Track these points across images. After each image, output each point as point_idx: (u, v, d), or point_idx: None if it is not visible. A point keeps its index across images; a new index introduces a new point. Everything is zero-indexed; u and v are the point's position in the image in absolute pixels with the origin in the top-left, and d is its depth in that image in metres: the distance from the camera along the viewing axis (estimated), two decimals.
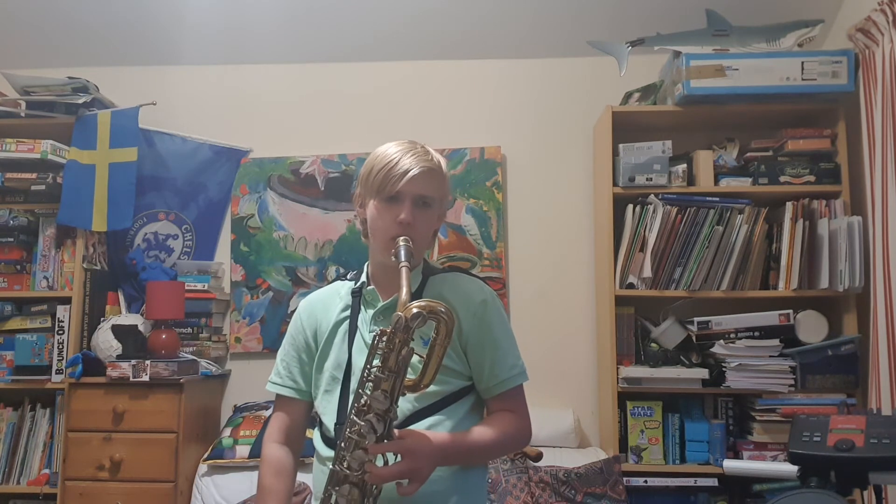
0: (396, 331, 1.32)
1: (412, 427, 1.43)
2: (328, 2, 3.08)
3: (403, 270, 1.39)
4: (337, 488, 1.34)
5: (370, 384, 1.34)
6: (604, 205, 2.93)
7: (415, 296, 1.47)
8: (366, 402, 1.34)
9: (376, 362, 1.35)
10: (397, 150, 1.50)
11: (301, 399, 1.61)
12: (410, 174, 1.46)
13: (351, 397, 1.44)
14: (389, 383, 1.32)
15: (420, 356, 1.36)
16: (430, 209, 1.52)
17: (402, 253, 1.42)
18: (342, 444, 1.35)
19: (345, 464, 1.33)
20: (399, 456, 1.34)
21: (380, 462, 1.34)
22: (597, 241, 3.11)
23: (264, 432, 2.71)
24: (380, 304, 1.54)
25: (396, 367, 1.33)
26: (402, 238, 1.44)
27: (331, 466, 1.38)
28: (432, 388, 1.40)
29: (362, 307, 1.56)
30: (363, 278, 1.60)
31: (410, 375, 1.37)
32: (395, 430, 1.36)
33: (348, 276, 1.65)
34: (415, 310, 1.31)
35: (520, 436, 1.55)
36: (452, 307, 1.40)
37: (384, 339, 1.34)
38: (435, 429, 1.45)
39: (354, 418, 1.34)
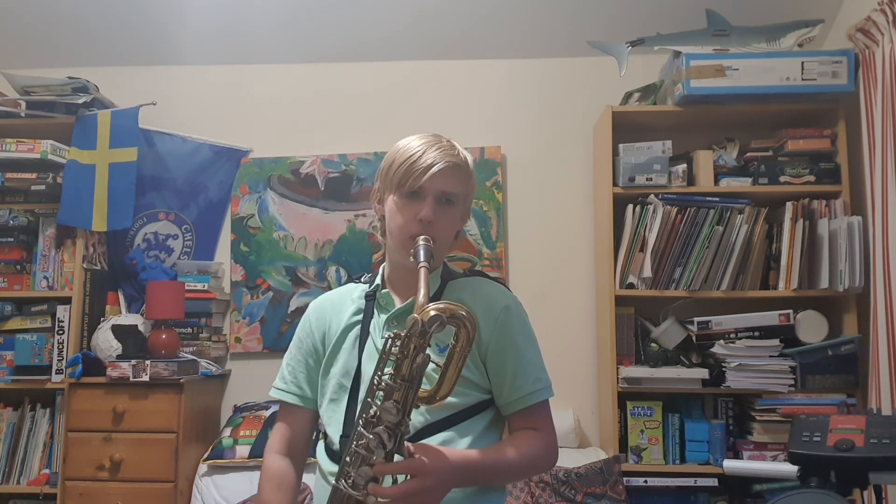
0: (411, 335, 1.20)
1: (423, 442, 1.32)
2: (328, 2, 3.08)
3: (422, 271, 1.28)
4: None
5: (380, 393, 1.23)
6: (604, 205, 2.93)
7: (433, 300, 1.31)
8: (375, 412, 1.22)
9: (388, 370, 1.24)
10: (421, 144, 1.41)
11: (306, 407, 1.51)
12: (434, 169, 1.36)
13: (359, 408, 1.32)
14: (402, 393, 1.20)
15: (437, 364, 1.25)
16: (454, 207, 1.42)
17: (422, 253, 1.32)
18: (347, 459, 1.24)
19: (349, 481, 1.23)
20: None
21: (387, 482, 1.22)
22: (597, 241, 3.11)
23: (265, 434, 2.76)
24: (394, 309, 1.44)
25: (410, 376, 1.21)
26: (422, 237, 1.34)
27: (333, 483, 1.28)
28: (448, 400, 1.28)
29: (375, 311, 1.46)
30: (378, 280, 1.50)
31: (425, 386, 1.26)
32: (408, 445, 1.24)
33: (362, 279, 1.55)
34: (433, 312, 1.20)
35: (546, 457, 1.43)
36: (472, 313, 1.29)
37: (397, 343, 1.23)
38: (449, 445, 1.33)
39: (362, 430, 1.22)
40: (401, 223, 1.40)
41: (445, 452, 1.27)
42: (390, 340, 1.25)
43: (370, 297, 1.48)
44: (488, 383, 1.41)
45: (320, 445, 1.48)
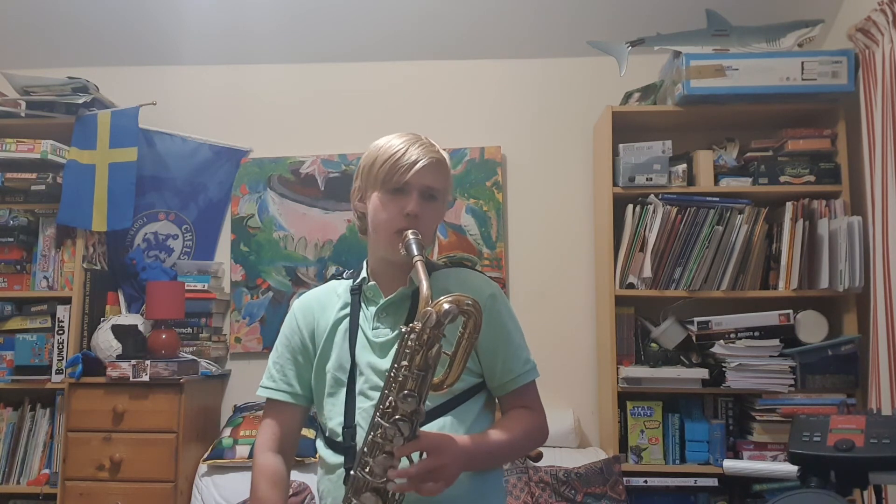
0: (426, 327, 1.25)
1: (423, 428, 1.36)
2: (328, 2, 3.08)
3: (419, 264, 1.32)
4: (357, 496, 1.28)
5: (395, 385, 1.28)
6: (604, 205, 2.93)
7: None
8: (391, 403, 1.27)
9: (404, 362, 1.28)
10: (402, 141, 1.45)
11: (296, 404, 1.54)
12: (419, 165, 1.41)
13: (358, 398, 1.41)
14: (417, 382, 1.26)
15: (446, 354, 1.30)
16: (437, 202, 1.47)
17: (414, 247, 1.35)
18: (365, 449, 1.29)
19: (367, 469, 1.27)
20: (423, 454, 1.28)
21: (404, 465, 1.28)
22: (597, 241, 3.11)
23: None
24: (382, 301, 1.47)
25: (425, 366, 1.26)
26: (410, 231, 1.38)
27: (345, 473, 1.33)
28: None
29: (363, 304, 1.49)
30: (363, 275, 1.53)
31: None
32: (422, 431, 1.30)
33: (344, 275, 1.58)
34: (446, 305, 1.25)
35: (538, 433, 1.50)
36: (477, 302, 1.38)
37: (412, 336, 1.27)
38: (447, 429, 1.39)
39: (380, 420, 1.27)
40: (386, 218, 1.43)
41: (454, 437, 1.34)
42: (406, 334, 1.29)
43: (356, 292, 1.51)
44: (479, 367, 1.47)
45: (319, 441, 1.51)
